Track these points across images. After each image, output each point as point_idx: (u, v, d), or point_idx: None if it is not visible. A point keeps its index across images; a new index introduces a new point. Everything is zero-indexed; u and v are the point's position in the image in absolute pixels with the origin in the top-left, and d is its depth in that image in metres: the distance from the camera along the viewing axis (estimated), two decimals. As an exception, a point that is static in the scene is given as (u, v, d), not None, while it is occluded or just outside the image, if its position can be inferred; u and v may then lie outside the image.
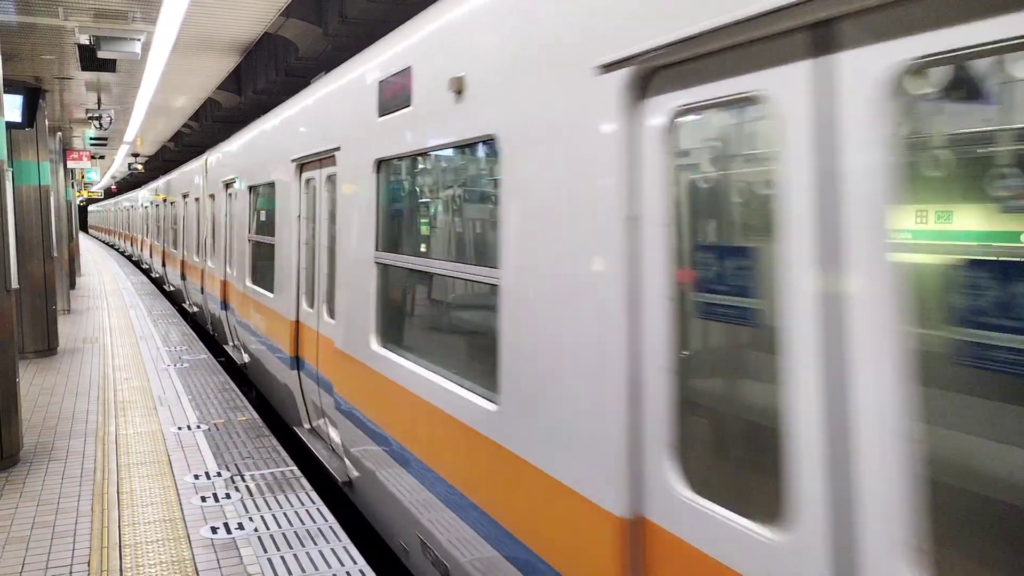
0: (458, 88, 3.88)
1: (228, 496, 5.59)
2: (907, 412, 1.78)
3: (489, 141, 3.71)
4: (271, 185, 8.56)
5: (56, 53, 9.81)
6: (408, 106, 4.61)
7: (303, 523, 5.11)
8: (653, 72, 2.56)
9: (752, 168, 2.49)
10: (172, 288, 18.24)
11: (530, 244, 3.21)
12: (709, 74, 2.33)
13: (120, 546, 4.76)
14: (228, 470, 6.15)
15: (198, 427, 7.37)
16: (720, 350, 2.61)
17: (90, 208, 75.13)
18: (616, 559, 2.59)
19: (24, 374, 9.50)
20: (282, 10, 9.06)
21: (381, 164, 5.22)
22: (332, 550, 4.72)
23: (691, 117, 2.48)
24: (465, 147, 4.23)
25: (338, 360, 5.92)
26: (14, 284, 6.61)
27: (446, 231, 4.83)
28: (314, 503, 5.48)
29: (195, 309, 15.73)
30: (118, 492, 5.68)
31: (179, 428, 7.33)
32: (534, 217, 3.20)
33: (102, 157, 25.23)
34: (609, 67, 2.69)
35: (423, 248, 5.08)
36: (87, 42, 8.53)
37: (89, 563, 4.56)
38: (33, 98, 10.51)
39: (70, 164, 19.69)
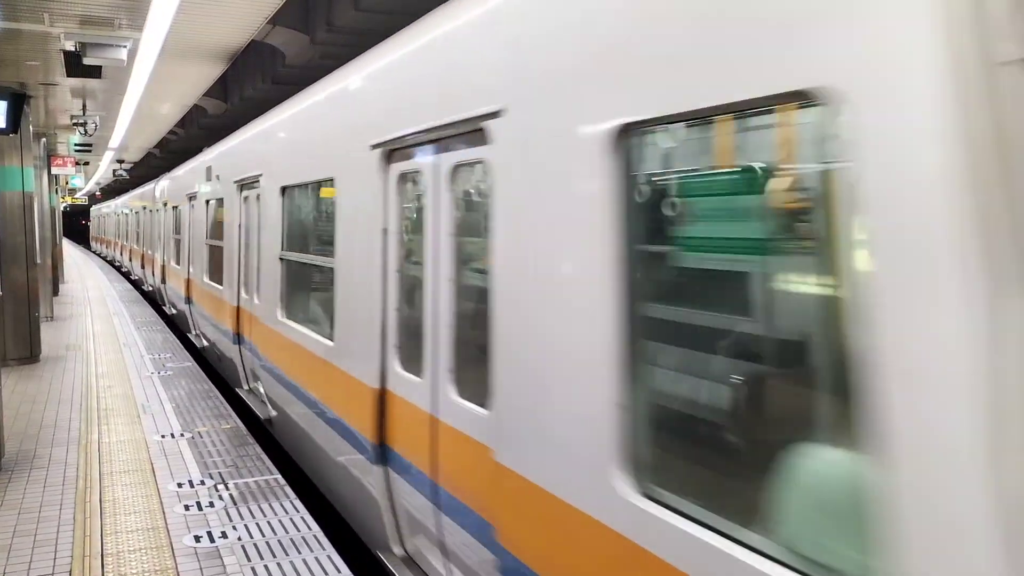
0: None
1: (212, 504, 5.57)
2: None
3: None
4: (324, 184, 6.20)
5: (41, 59, 9.80)
6: None
7: (287, 531, 5.11)
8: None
9: None
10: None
11: None
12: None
13: (102, 555, 4.74)
14: (212, 478, 6.13)
15: (182, 435, 7.34)
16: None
17: (94, 211, 54.88)
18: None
19: (6, 381, 9.43)
20: (269, 18, 9.08)
21: (632, 132, 2.66)
22: (316, 558, 4.71)
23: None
24: None
25: (500, 480, 3.35)
26: (-3, 291, 6.57)
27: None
28: (298, 511, 5.47)
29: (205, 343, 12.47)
30: (101, 500, 5.65)
31: (162, 436, 7.30)
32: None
33: (87, 163, 25.12)
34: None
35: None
36: (73, 48, 8.51)
37: (71, 572, 4.53)
38: (17, 103, 10.46)
39: (54, 170, 19.60)
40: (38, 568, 4.59)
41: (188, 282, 13.86)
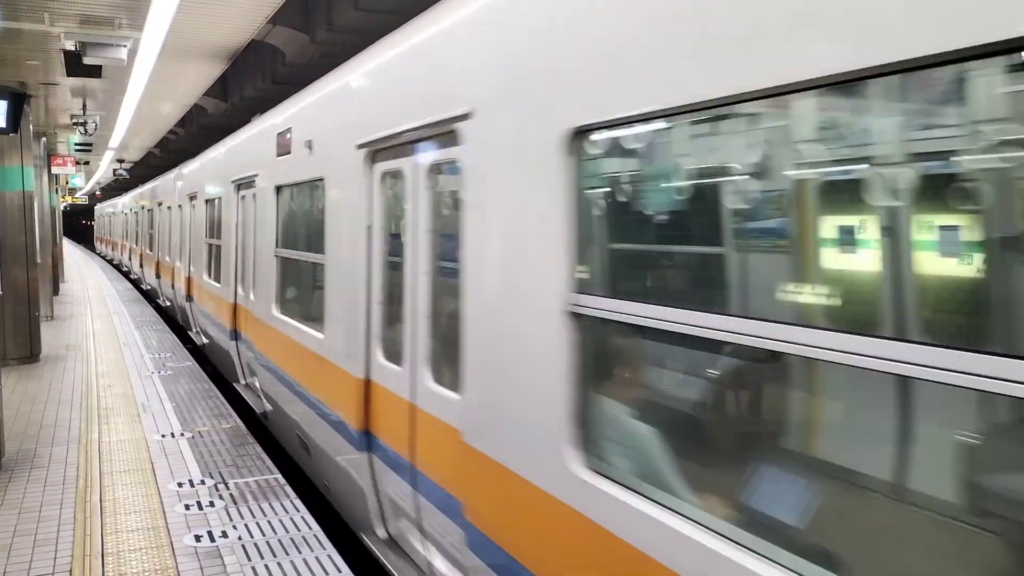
0: None
1: (212, 504, 5.57)
2: None
3: None
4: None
5: (41, 58, 9.80)
6: None
7: (287, 531, 5.11)
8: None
9: None
10: None
11: None
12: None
13: (103, 554, 4.74)
14: (212, 478, 6.14)
15: (182, 434, 7.35)
16: None
17: (98, 209, 48.58)
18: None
19: (6, 381, 9.43)
20: (269, 18, 9.08)
21: None
22: (316, 558, 4.71)
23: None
24: None
25: None
26: (-3, 290, 6.58)
27: None
28: (298, 511, 5.47)
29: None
30: (101, 500, 5.65)
31: (163, 435, 7.30)
32: None
33: (87, 163, 25.12)
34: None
35: None
36: (73, 48, 8.52)
37: (71, 571, 4.54)
38: (17, 103, 10.45)
39: (54, 170, 19.61)
40: (38, 567, 4.59)
41: (236, 310, 9.38)
